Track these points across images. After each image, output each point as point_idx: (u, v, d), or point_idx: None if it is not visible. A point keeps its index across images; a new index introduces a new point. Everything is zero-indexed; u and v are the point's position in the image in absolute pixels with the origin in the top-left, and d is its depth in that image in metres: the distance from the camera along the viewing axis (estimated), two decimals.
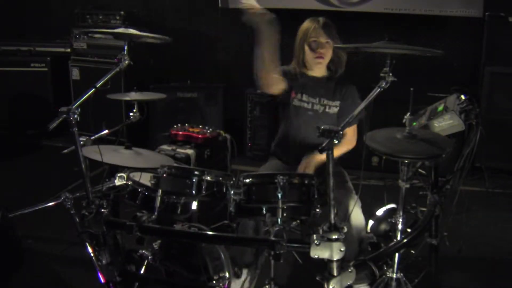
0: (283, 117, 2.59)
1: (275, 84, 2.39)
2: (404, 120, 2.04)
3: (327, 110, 2.49)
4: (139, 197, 1.92)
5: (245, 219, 2.11)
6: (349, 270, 1.53)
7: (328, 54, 2.45)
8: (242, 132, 4.64)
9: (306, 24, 2.46)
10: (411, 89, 2.02)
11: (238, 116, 4.68)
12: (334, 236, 1.48)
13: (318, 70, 2.51)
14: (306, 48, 2.45)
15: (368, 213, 2.54)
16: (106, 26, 4.64)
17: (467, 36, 4.48)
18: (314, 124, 2.44)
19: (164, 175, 1.80)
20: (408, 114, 2.02)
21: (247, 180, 1.77)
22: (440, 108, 2.21)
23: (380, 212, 2.50)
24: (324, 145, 1.51)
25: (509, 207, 3.66)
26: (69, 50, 4.93)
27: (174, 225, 1.84)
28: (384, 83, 1.69)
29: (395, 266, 2.08)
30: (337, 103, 2.49)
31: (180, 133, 3.30)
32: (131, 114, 2.95)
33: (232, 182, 1.82)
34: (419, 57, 4.26)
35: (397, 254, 2.05)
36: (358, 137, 2.52)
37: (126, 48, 2.07)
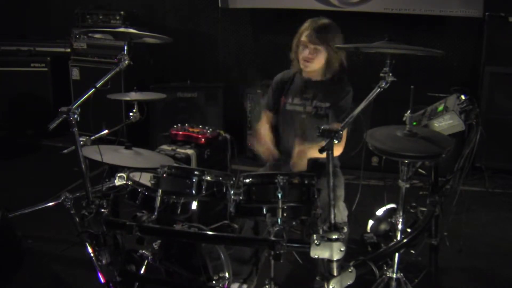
0: (278, 123, 2.59)
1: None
2: (404, 118, 2.04)
3: (319, 112, 2.46)
4: (139, 197, 1.92)
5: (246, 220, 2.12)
6: (349, 270, 1.53)
7: (316, 60, 2.38)
8: (242, 132, 4.64)
9: (305, 23, 2.42)
10: (412, 86, 2.02)
11: (238, 116, 4.68)
12: (334, 236, 1.48)
13: (312, 72, 2.46)
14: (300, 48, 2.41)
15: (368, 213, 2.55)
16: (106, 26, 4.65)
17: (467, 36, 4.48)
18: (308, 127, 2.45)
19: (164, 175, 1.80)
20: (409, 112, 2.02)
21: (247, 180, 1.77)
22: (440, 108, 2.21)
23: (380, 212, 2.50)
24: (324, 145, 1.51)
25: (509, 207, 3.66)
26: (69, 50, 4.94)
27: (174, 225, 1.84)
28: (384, 83, 1.69)
29: (395, 266, 2.08)
30: (327, 104, 2.43)
31: (180, 133, 3.30)
32: (131, 114, 2.95)
33: (232, 182, 1.82)
34: (419, 57, 4.27)
35: (397, 254, 2.05)
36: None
37: (126, 48, 2.08)
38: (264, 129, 2.51)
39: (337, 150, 2.37)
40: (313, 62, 2.39)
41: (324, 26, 2.37)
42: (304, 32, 2.38)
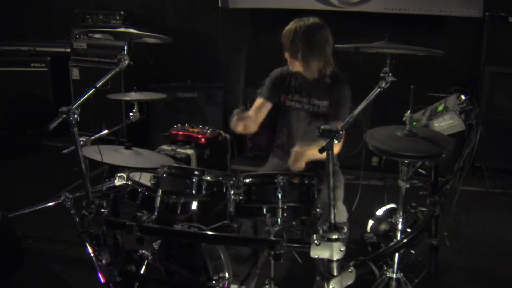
0: (279, 119, 2.59)
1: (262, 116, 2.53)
2: (404, 118, 2.04)
3: (316, 110, 2.46)
4: (139, 197, 1.92)
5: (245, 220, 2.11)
6: (349, 270, 1.53)
7: (295, 64, 2.37)
8: None
9: (289, 25, 2.38)
10: (412, 86, 2.02)
11: None
12: (334, 236, 1.48)
13: (303, 71, 2.43)
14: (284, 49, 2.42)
15: (368, 213, 2.55)
16: (106, 26, 4.64)
17: (467, 36, 4.48)
18: (306, 124, 2.45)
19: (164, 175, 1.80)
20: (409, 111, 2.02)
21: (247, 180, 1.77)
22: (440, 108, 2.21)
23: (380, 212, 2.51)
24: (324, 145, 1.51)
25: (509, 207, 3.66)
26: (69, 50, 4.94)
27: (174, 225, 1.84)
28: (384, 83, 1.69)
29: (395, 266, 2.08)
30: (326, 102, 2.42)
31: (180, 133, 3.31)
32: (131, 114, 2.95)
33: (232, 182, 1.82)
34: (419, 57, 4.27)
35: (397, 254, 2.05)
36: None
37: (126, 48, 2.08)
38: (251, 111, 2.49)
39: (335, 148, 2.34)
40: (294, 63, 2.38)
41: (293, 33, 2.32)
42: (284, 35, 2.36)
